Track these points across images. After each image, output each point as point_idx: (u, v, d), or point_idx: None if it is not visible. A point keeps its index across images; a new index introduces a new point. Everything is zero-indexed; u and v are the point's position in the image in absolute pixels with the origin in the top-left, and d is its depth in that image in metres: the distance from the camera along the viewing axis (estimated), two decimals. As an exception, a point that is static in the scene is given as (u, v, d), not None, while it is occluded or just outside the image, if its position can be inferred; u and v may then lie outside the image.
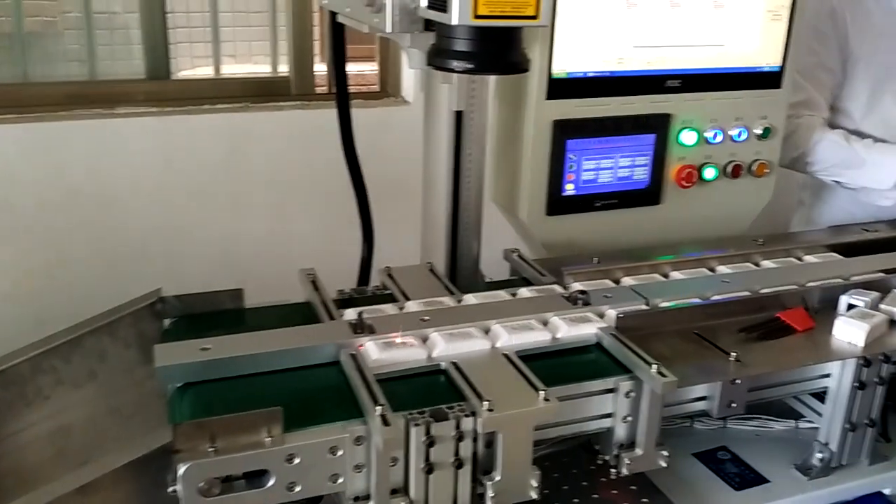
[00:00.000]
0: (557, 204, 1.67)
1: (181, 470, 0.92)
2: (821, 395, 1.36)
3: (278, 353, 1.14)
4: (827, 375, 1.33)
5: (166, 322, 1.35)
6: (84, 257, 2.60)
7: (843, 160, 1.98)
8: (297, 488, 0.99)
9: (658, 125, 1.68)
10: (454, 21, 1.11)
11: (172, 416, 1.06)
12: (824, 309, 1.38)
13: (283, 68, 3.08)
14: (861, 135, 2.07)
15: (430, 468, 1.02)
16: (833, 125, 2.08)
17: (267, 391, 1.10)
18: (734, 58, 1.69)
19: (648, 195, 1.73)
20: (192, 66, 3.89)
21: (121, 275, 2.47)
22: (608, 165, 1.68)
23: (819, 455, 1.36)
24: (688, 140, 1.70)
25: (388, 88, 3.04)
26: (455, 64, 1.18)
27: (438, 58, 1.20)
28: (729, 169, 1.76)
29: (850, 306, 1.36)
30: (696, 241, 1.70)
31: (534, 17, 1.13)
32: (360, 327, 1.19)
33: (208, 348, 1.12)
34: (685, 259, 1.56)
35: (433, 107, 1.58)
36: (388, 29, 1.26)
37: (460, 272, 1.63)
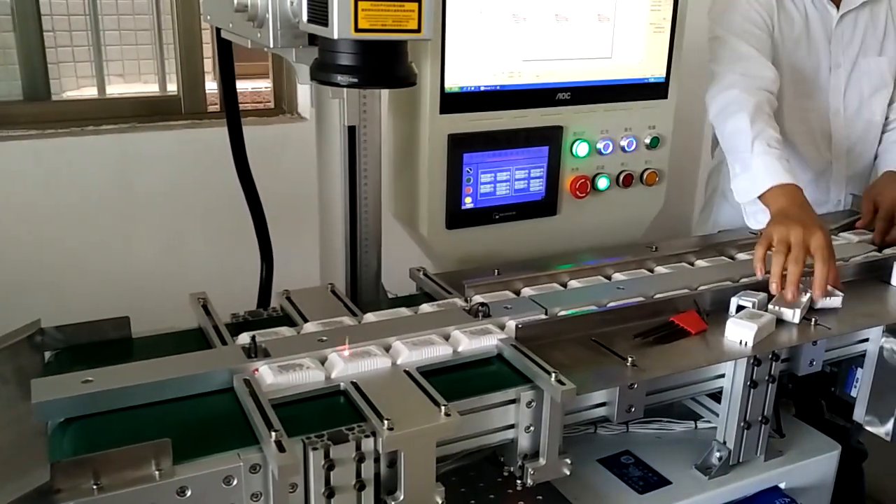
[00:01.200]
0: (457, 217, 1.67)
1: (63, 511, 0.87)
2: (717, 396, 1.40)
3: (166, 383, 1.09)
4: (721, 376, 1.37)
5: (48, 355, 1.27)
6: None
7: (735, 148, 1.83)
8: (191, 522, 0.94)
9: (551, 137, 1.70)
10: (335, 35, 1.09)
11: (53, 453, 1.01)
12: (716, 311, 1.42)
13: (173, 87, 2.99)
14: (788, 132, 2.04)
15: (331, 492, 1.00)
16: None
17: (156, 423, 1.05)
18: (621, 70, 1.73)
19: (545, 206, 1.75)
20: (77, 87, 3.74)
21: (0, 307, 2.34)
22: (505, 178, 1.69)
23: (718, 454, 1.40)
24: (580, 151, 1.73)
25: (283, 105, 2.99)
26: (340, 78, 1.16)
27: (322, 72, 1.18)
28: (621, 178, 1.80)
29: (740, 307, 1.41)
30: (593, 249, 1.73)
31: (416, 31, 1.12)
32: (254, 351, 1.15)
33: (90, 380, 1.06)
34: (582, 268, 1.59)
35: (326, 123, 1.56)
36: (271, 44, 1.23)
37: (361, 289, 1.60)
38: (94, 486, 0.89)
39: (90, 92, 3.28)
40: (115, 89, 3.35)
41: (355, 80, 1.16)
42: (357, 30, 1.08)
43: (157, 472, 0.92)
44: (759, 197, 1.73)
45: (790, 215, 1.59)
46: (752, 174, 1.75)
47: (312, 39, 1.24)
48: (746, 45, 1.91)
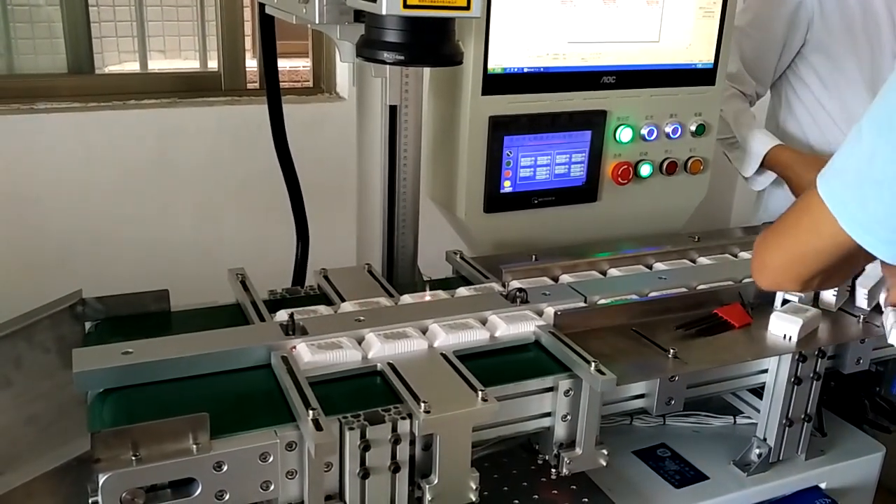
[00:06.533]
0: (495, 201, 1.64)
1: (102, 480, 0.88)
2: (758, 391, 1.37)
3: (205, 357, 1.09)
4: (764, 371, 1.34)
5: (88, 325, 1.28)
6: (1, 259, 2.48)
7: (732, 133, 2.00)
8: (226, 497, 0.95)
9: (594, 122, 1.67)
10: (383, 11, 1.07)
11: (92, 423, 1.01)
12: (761, 304, 1.39)
13: (213, 64, 3.00)
14: (822, 107, 2.07)
15: (366, 473, 0.99)
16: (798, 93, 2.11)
17: (194, 396, 1.05)
18: (668, 54, 1.69)
19: (585, 192, 1.72)
20: (119, 62, 3.76)
21: (40, 278, 2.37)
22: (545, 162, 1.66)
23: (757, 451, 1.37)
24: (624, 137, 1.70)
25: (321, 84, 2.98)
26: (385, 55, 1.14)
27: (368, 49, 1.16)
28: (664, 166, 1.76)
29: (785, 301, 1.37)
30: (633, 238, 1.70)
31: (466, 8, 1.10)
32: (292, 328, 1.15)
33: (130, 352, 1.07)
34: (622, 256, 1.56)
35: (367, 102, 1.55)
36: (317, 20, 1.22)
37: (398, 271, 1.59)
38: (133, 457, 0.89)
39: (132, 67, 3.31)
40: (156, 65, 3.37)
41: (401, 57, 1.14)
42: (406, 6, 1.06)
43: (194, 446, 0.92)
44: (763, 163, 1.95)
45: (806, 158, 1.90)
46: (747, 149, 1.97)
47: (358, 16, 1.22)
48: (735, 59, 1.98)
